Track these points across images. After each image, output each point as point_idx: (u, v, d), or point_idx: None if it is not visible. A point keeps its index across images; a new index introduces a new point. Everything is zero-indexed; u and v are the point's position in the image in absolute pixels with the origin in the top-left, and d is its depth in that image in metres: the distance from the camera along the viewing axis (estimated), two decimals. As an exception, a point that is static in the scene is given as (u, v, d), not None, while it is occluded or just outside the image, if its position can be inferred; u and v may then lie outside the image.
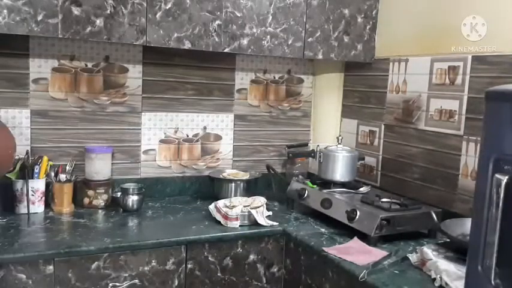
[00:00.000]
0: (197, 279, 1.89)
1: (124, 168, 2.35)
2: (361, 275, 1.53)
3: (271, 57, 2.58)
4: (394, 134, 2.33)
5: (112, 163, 2.27)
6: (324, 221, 2.09)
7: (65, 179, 2.11)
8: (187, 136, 2.49)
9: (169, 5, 1.98)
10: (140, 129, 2.37)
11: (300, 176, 2.51)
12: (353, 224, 1.91)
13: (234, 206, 2.01)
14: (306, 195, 2.20)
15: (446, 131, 2.05)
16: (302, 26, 2.25)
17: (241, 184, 2.36)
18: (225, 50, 2.12)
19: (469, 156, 1.95)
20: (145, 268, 1.79)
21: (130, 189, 2.13)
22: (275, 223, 2.04)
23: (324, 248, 1.78)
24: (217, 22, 2.07)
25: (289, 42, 2.23)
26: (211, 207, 2.09)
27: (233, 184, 2.35)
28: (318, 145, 2.38)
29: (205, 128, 2.52)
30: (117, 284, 1.75)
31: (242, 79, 2.57)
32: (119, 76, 2.29)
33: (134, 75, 2.32)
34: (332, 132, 2.67)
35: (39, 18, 1.78)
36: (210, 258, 1.90)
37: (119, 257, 1.74)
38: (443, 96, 2.07)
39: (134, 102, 2.34)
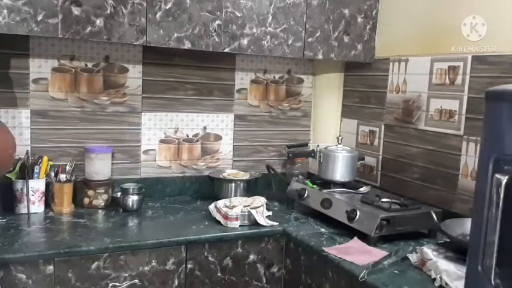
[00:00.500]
0: (197, 279, 1.89)
1: (124, 168, 2.35)
2: (361, 275, 1.53)
3: (271, 57, 2.58)
4: (394, 134, 2.33)
5: (112, 163, 2.27)
6: (324, 221, 2.09)
7: (65, 179, 2.11)
8: (187, 136, 2.49)
9: (169, 5, 1.98)
10: (140, 129, 2.37)
11: (300, 176, 2.51)
12: (353, 224, 1.91)
13: (234, 206, 2.01)
14: (306, 195, 2.20)
15: (446, 131, 2.05)
16: (302, 26, 2.25)
17: (241, 184, 2.36)
18: (225, 50, 2.12)
19: (469, 156, 1.95)
20: (145, 268, 1.79)
21: (130, 189, 2.13)
22: (275, 223, 2.04)
23: (324, 248, 1.78)
24: (217, 22, 2.07)
25: (289, 42, 2.23)
26: (211, 207, 2.09)
27: (233, 184, 2.35)
28: (318, 145, 2.38)
29: (205, 128, 2.52)
30: (117, 284, 1.75)
31: (242, 79, 2.57)
32: (119, 76, 2.29)
33: (134, 75, 2.32)
34: (332, 132, 2.67)
35: (39, 18, 1.78)
36: (210, 258, 1.90)
37: (119, 257, 1.74)
38: (443, 96, 2.07)
39: (134, 102, 2.34)
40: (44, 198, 2.08)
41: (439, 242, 1.81)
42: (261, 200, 2.10)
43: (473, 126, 1.94)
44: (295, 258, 1.95)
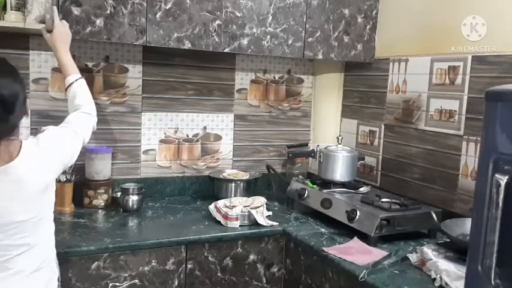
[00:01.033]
0: (197, 279, 1.89)
1: (124, 168, 2.35)
2: (361, 275, 1.53)
3: (271, 57, 2.58)
4: (394, 134, 2.33)
5: (112, 163, 2.27)
6: (324, 221, 2.09)
7: (65, 179, 2.11)
8: (187, 136, 2.48)
9: (169, 5, 1.98)
10: (140, 129, 2.37)
11: (300, 176, 2.51)
12: (353, 224, 1.91)
13: (234, 206, 2.01)
14: (306, 195, 2.20)
15: (446, 131, 2.05)
16: (302, 26, 2.25)
17: (241, 184, 2.36)
18: (225, 50, 2.12)
19: (469, 156, 1.95)
20: (145, 268, 1.79)
21: (131, 189, 2.13)
22: (275, 223, 2.04)
23: (324, 248, 1.78)
24: (217, 22, 2.07)
25: (289, 42, 2.23)
26: (211, 207, 2.09)
27: (233, 184, 2.35)
28: (318, 145, 2.38)
29: (205, 128, 2.52)
30: (117, 284, 1.75)
31: (242, 79, 2.57)
32: (119, 76, 2.29)
33: (134, 75, 2.32)
34: (332, 132, 2.67)
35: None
36: (210, 258, 1.90)
37: (119, 257, 1.74)
38: (443, 96, 2.07)
39: (134, 102, 2.34)
40: (44, 198, 2.07)
41: (439, 242, 1.81)
42: (261, 200, 2.10)
43: (473, 126, 1.94)
44: (295, 258, 1.96)
